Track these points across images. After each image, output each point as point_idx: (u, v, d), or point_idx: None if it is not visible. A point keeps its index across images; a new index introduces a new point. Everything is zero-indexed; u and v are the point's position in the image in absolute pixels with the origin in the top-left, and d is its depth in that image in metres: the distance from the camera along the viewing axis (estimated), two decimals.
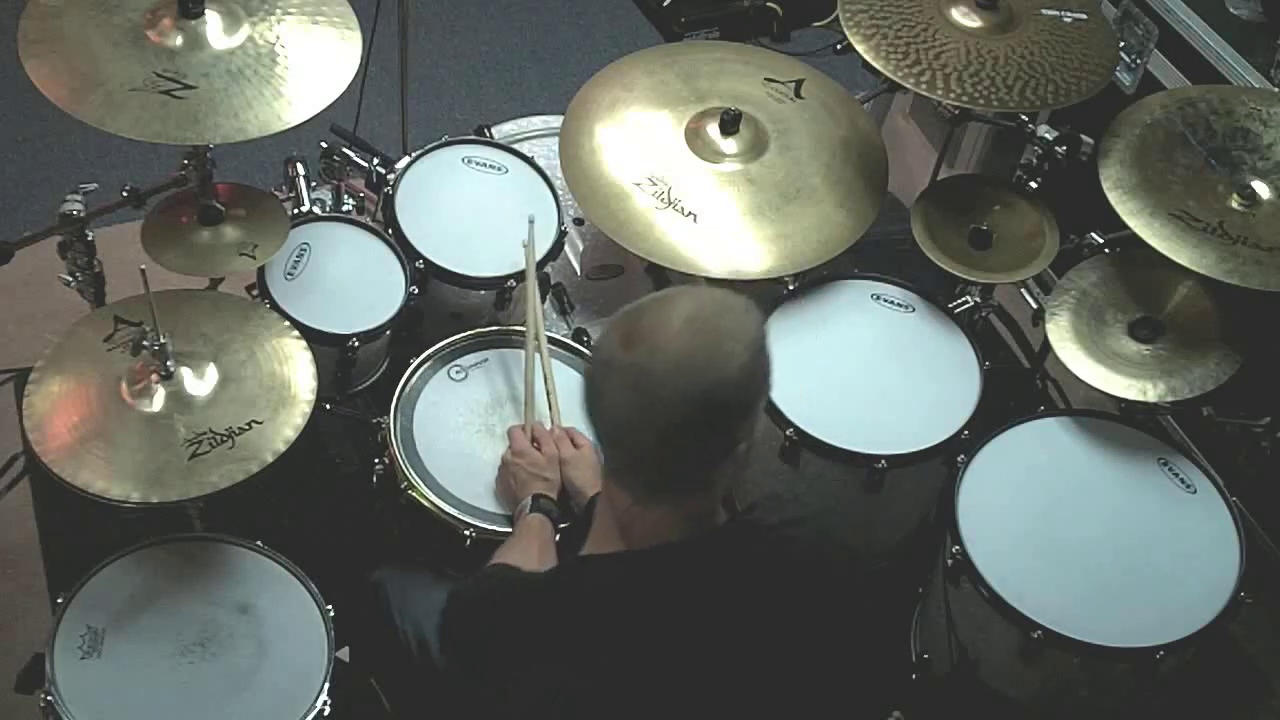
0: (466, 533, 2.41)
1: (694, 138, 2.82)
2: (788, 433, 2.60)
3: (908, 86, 2.67)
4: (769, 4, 3.44)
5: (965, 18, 2.78)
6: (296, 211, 2.93)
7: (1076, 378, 2.65)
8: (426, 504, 2.44)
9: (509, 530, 2.38)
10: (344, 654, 2.41)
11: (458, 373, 2.64)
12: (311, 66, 2.52)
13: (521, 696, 1.80)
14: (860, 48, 2.72)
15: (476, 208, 2.90)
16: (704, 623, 1.76)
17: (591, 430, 1.74)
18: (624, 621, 1.76)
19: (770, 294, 2.82)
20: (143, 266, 2.30)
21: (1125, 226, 2.58)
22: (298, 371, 2.45)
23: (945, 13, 2.78)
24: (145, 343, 2.33)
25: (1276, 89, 2.84)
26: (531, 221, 2.77)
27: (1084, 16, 2.82)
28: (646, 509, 1.74)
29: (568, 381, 2.65)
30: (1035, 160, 2.89)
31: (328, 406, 2.77)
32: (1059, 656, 2.42)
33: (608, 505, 1.80)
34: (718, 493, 1.78)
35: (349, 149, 3.03)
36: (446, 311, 2.86)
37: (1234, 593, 2.45)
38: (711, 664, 1.77)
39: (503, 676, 1.84)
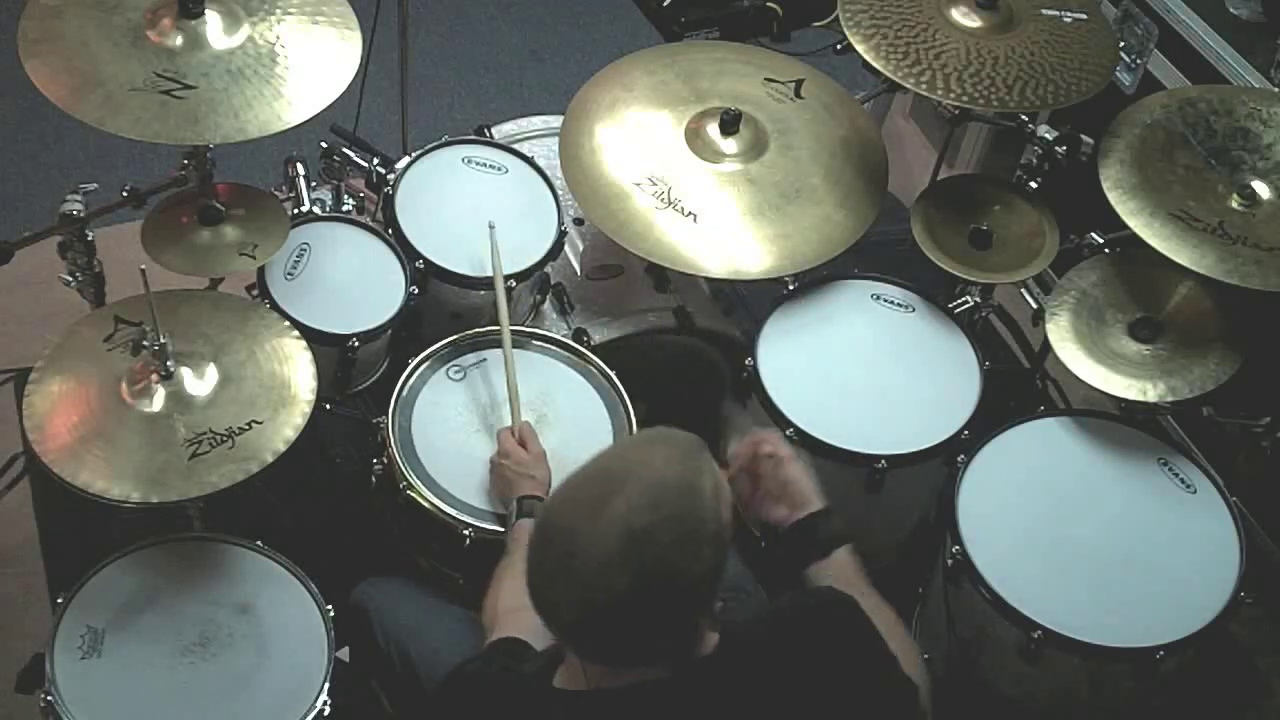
0: (465, 532, 2.41)
1: (694, 138, 2.82)
2: (788, 433, 2.60)
3: (908, 86, 2.67)
4: (769, 4, 3.45)
5: (965, 18, 2.77)
6: (296, 211, 2.93)
7: (1076, 378, 2.65)
8: (425, 504, 2.44)
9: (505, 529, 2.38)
10: (344, 654, 2.41)
11: (456, 372, 2.64)
12: (311, 66, 2.52)
13: None
14: (860, 48, 2.72)
15: (477, 208, 2.90)
16: None
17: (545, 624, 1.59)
18: None
19: (770, 294, 2.82)
20: (143, 266, 2.30)
21: (1125, 226, 2.58)
22: (297, 371, 2.45)
23: (945, 13, 2.78)
24: (145, 343, 2.33)
25: (1276, 89, 2.84)
26: (492, 227, 2.75)
27: (1084, 16, 2.82)
28: (618, 673, 1.61)
29: (567, 382, 2.66)
30: (1035, 160, 2.89)
31: (328, 407, 2.77)
32: (1059, 657, 2.42)
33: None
34: (697, 638, 1.64)
35: (349, 149, 3.03)
36: (447, 311, 2.86)
37: (1234, 593, 2.45)
38: None
39: None
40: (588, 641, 1.58)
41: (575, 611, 1.54)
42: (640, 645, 1.58)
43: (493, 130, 3.21)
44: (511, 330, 2.71)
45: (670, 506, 1.51)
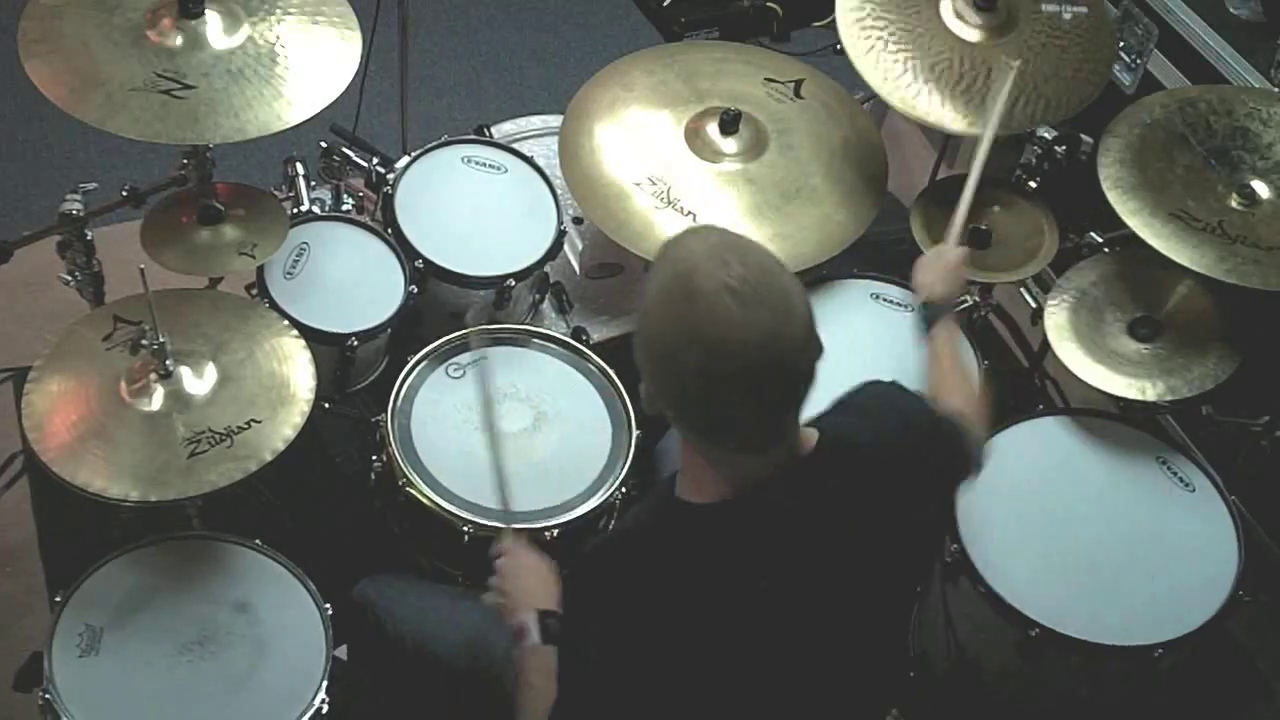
0: (465, 529, 2.41)
1: (694, 137, 2.82)
2: None
3: (901, 111, 2.69)
4: (769, 4, 3.45)
5: (965, 20, 2.77)
6: (296, 211, 2.93)
7: (1075, 377, 2.65)
8: (425, 501, 2.45)
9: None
10: (342, 652, 2.42)
11: (455, 370, 2.64)
12: (311, 66, 2.52)
13: (644, 646, 1.78)
14: (858, 64, 2.74)
15: (476, 207, 2.90)
16: (805, 548, 1.78)
17: (663, 399, 1.70)
18: (736, 565, 1.76)
19: None
20: (142, 266, 2.31)
21: (1124, 226, 2.58)
22: (296, 371, 2.46)
23: (943, 18, 2.78)
24: (144, 342, 2.33)
25: (1276, 89, 2.84)
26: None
27: (1084, 10, 2.82)
28: (737, 458, 1.73)
29: (566, 380, 2.67)
30: (1035, 160, 2.89)
31: (327, 406, 2.77)
32: (1057, 655, 2.42)
33: (691, 455, 1.77)
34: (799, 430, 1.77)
35: (348, 149, 3.03)
36: (446, 311, 2.86)
37: (1232, 591, 2.45)
38: (813, 586, 1.80)
39: (627, 628, 1.79)
40: (713, 404, 1.65)
41: (704, 355, 1.61)
42: (764, 412, 1.68)
43: (492, 130, 3.21)
44: (510, 329, 2.72)
45: (770, 267, 1.68)
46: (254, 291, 2.76)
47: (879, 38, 2.75)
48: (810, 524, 1.78)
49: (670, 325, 1.64)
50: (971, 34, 2.77)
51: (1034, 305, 3.02)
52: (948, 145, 3.20)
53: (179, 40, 2.48)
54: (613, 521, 2.55)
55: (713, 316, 1.60)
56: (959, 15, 2.79)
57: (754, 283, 1.62)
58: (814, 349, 1.68)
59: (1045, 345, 2.76)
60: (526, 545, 2.13)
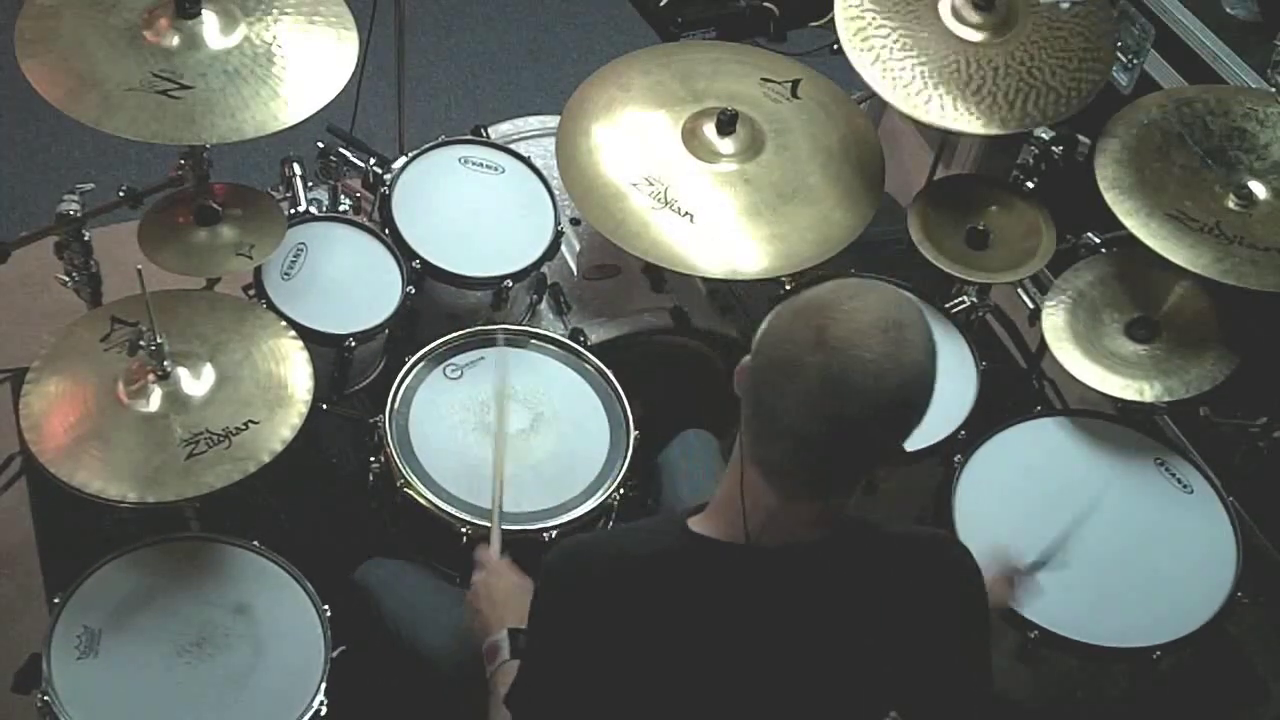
0: (463, 530, 2.41)
1: (691, 138, 2.81)
2: None
3: (915, 117, 2.68)
4: (765, 4, 3.45)
5: (964, 20, 2.77)
6: (293, 211, 2.93)
7: (1073, 377, 2.65)
8: (423, 502, 2.44)
9: (504, 527, 2.37)
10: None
11: (453, 371, 2.64)
12: (308, 66, 2.52)
13: (611, 662, 1.71)
14: (864, 73, 2.73)
15: (473, 208, 2.90)
16: (820, 626, 1.71)
17: (749, 427, 1.63)
18: (737, 617, 1.68)
19: (767, 294, 2.82)
20: (139, 266, 2.30)
21: (1122, 226, 2.58)
22: (294, 371, 2.45)
23: (943, 21, 2.78)
24: (142, 343, 2.33)
25: (1273, 89, 2.84)
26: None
27: (1082, 1, 2.82)
28: (788, 506, 1.66)
29: (564, 381, 2.66)
30: (1032, 160, 2.89)
31: (324, 406, 2.77)
32: (1056, 657, 2.42)
33: (738, 490, 1.67)
34: (859, 490, 1.73)
35: (345, 149, 3.02)
36: (443, 312, 2.86)
37: (1231, 593, 2.45)
38: (820, 669, 1.72)
39: (593, 639, 1.72)
40: (808, 440, 1.60)
41: (817, 396, 1.56)
42: (851, 458, 1.65)
43: (489, 130, 3.21)
44: (509, 329, 2.72)
45: (912, 314, 1.59)
46: (251, 292, 2.75)
47: (883, 46, 2.74)
48: (814, 602, 1.70)
49: (800, 336, 1.58)
50: (973, 35, 2.77)
51: (1031, 306, 3.02)
52: (945, 145, 3.20)
53: (176, 40, 2.48)
54: (610, 524, 2.55)
55: (847, 336, 1.55)
56: (958, 17, 2.78)
57: (893, 320, 1.57)
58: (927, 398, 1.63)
59: (1043, 346, 2.77)
60: (507, 561, 2.16)
